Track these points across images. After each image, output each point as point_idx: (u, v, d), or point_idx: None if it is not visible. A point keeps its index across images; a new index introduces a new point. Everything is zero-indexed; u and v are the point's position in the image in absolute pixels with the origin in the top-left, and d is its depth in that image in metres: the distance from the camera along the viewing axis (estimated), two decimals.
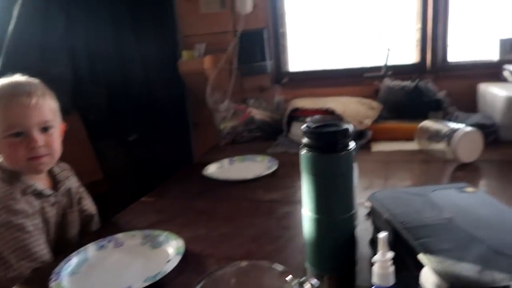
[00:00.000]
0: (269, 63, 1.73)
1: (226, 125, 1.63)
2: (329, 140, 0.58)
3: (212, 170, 1.28)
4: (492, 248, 0.50)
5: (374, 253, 0.66)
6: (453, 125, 1.19)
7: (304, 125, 0.61)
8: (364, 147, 1.38)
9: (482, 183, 1.03)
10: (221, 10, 1.71)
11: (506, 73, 1.43)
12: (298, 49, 1.82)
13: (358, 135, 1.44)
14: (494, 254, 0.49)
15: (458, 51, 1.64)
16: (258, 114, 1.62)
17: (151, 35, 1.75)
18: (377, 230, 0.68)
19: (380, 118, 1.53)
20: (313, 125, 0.61)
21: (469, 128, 1.13)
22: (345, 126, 0.60)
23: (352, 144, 0.60)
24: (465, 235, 0.54)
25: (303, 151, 0.60)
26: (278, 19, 1.75)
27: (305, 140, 0.60)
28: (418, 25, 1.61)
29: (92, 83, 1.61)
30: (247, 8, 1.62)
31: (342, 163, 0.59)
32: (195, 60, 1.68)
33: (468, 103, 1.51)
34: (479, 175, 1.08)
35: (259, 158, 1.33)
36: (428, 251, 0.51)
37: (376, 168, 1.18)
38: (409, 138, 1.32)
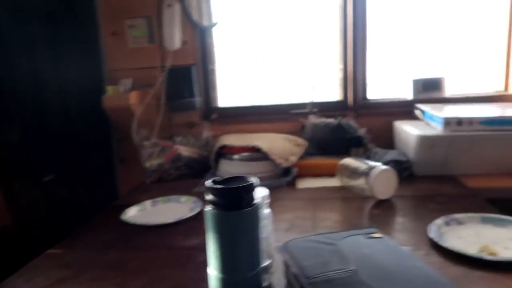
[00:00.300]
0: (198, 99, 1.72)
1: (152, 163, 1.57)
2: (232, 197, 0.57)
3: (132, 213, 1.22)
4: None
5: None
6: (370, 162, 1.24)
7: (208, 181, 0.59)
8: (290, 184, 1.39)
9: (397, 220, 1.07)
10: (149, 45, 1.69)
11: (417, 112, 1.53)
12: (228, 85, 1.83)
13: (284, 172, 1.46)
14: None
15: (378, 90, 1.74)
16: (185, 151, 1.58)
17: (74, 69, 1.68)
18: (288, 282, 0.67)
19: (306, 154, 1.57)
20: (218, 180, 0.59)
21: (384, 167, 1.18)
22: (250, 180, 0.59)
23: (257, 199, 0.59)
24: None
25: (207, 208, 0.58)
26: (208, 55, 1.75)
27: (208, 196, 0.58)
28: (340, 65, 1.69)
29: (2, 118, 1.48)
30: (175, 44, 1.61)
31: (247, 220, 0.58)
32: (120, 95, 1.62)
33: (386, 139, 1.60)
34: (394, 211, 1.12)
35: (184, 198, 1.29)
36: None
37: (300, 206, 1.19)
38: (333, 173, 1.36)
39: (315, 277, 0.58)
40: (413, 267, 0.60)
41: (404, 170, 1.38)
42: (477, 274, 0.77)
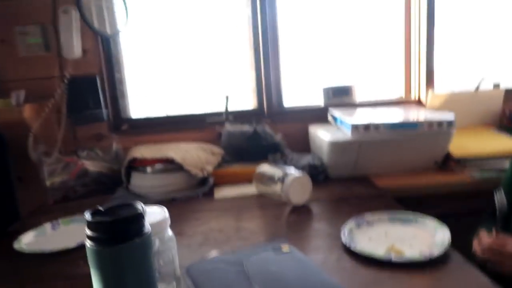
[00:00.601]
0: (105, 111, 1.59)
1: (55, 181, 1.42)
2: (114, 230, 0.49)
3: (28, 240, 1.07)
4: None
5: None
6: (285, 169, 1.23)
7: (87, 213, 0.51)
8: (207, 195, 1.34)
9: (312, 225, 1.06)
10: (45, 53, 1.53)
11: (329, 117, 1.57)
12: (140, 95, 1.73)
13: (201, 183, 1.40)
14: None
15: (293, 96, 1.76)
16: (92, 165, 1.45)
17: None
18: None
19: (224, 162, 1.53)
20: (99, 211, 0.51)
21: (298, 173, 1.18)
22: (137, 207, 0.52)
23: (147, 227, 0.52)
24: None
25: (87, 244, 0.50)
26: (114, 64, 1.64)
27: (87, 231, 0.50)
28: (253, 73, 1.69)
29: None
30: (75, 52, 1.47)
31: (135, 253, 0.50)
32: (12, 109, 1.44)
33: (302, 144, 1.62)
34: (310, 216, 1.12)
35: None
36: None
37: (216, 218, 1.14)
38: (251, 181, 1.33)
39: None
40: (318, 283, 0.57)
41: (319, 173, 1.40)
42: (385, 275, 0.78)
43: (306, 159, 1.43)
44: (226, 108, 1.63)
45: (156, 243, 0.67)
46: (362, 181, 1.36)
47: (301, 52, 1.75)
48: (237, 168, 1.47)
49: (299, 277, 0.60)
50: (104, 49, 1.61)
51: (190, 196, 1.32)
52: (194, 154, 1.43)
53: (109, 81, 1.64)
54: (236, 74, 1.72)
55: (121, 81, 1.68)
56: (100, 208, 0.54)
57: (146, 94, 1.73)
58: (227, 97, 1.62)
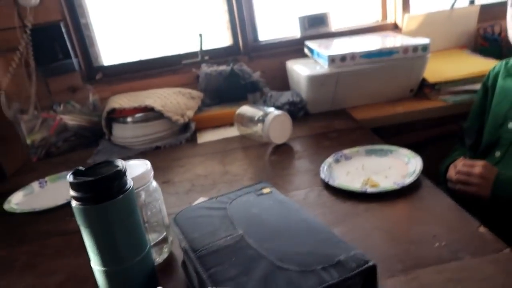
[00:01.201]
0: (75, 60, 1.53)
1: (35, 138, 1.41)
2: (96, 189, 0.51)
3: (18, 200, 1.10)
4: (274, 264, 0.52)
5: (187, 277, 0.65)
6: (265, 109, 1.24)
7: (69, 174, 0.52)
8: (190, 140, 1.36)
9: (293, 163, 1.10)
10: None
11: (305, 50, 1.55)
12: (111, 40, 1.66)
13: (183, 129, 1.41)
14: (276, 271, 0.51)
15: (269, 31, 1.71)
16: (71, 119, 1.44)
17: None
18: (185, 252, 0.66)
19: (204, 105, 1.53)
20: (81, 171, 0.53)
21: (278, 112, 1.19)
22: (117, 165, 0.54)
23: (129, 182, 0.55)
24: (253, 253, 0.55)
25: (73, 204, 0.52)
26: (77, 9, 1.55)
27: (71, 191, 0.52)
28: (225, 7, 1.61)
29: None
30: None
31: (120, 209, 0.53)
32: None
33: (281, 81, 1.61)
34: (291, 155, 1.15)
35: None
36: (216, 283, 0.50)
37: (200, 163, 1.17)
38: (232, 123, 1.34)
39: (203, 250, 0.57)
40: (298, 221, 0.62)
41: (299, 110, 1.41)
42: (362, 207, 0.84)
43: (286, 96, 1.44)
44: (201, 47, 1.58)
45: (142, 196, 0.70)
46: (341, 114, 1.39)
47: None
48: (217, 111, 1.48)
49: (279, 217, 0.64)
50: None
51: (173, 144, 1.34)
52: (173, 99, 1.42)
53: (75, 28, 1.56)
54: (208, 10, 1.65)
55: (88, 27, 1.60)
56: (81, 168, 0.55)
57: (116, 39, 1.65)
58: (200, 35, 1.57)
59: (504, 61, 1.13)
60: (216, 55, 1.62)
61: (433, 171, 1.20)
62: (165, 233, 0.75)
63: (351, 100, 1.42)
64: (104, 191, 0.51)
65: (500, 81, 1.10)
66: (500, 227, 0.72)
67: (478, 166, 0.95)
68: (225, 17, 1.63)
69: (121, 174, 0.53)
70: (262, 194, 0.72)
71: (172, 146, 1.34)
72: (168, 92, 1.46)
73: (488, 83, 1.15)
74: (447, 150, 1.26)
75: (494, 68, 1.15)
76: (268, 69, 1.63)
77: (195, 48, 1.61)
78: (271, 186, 0.76)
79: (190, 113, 1.40)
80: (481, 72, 1.31)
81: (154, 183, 0.73)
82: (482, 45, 1.64)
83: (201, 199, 0.94)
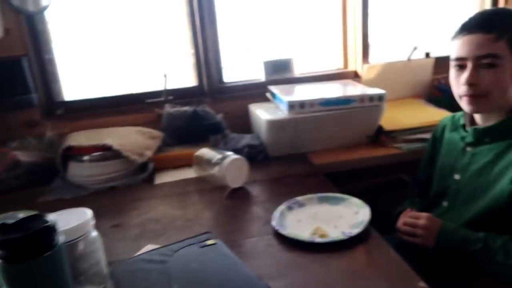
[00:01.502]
0: (35, 95, 1.51)
1: None
2: (22, 247, 0.49)
3: None
4: None
5: None
6: (223, 152, 1.25)
7: None
8: (147, 181, 1.34)
9: (248, 209, 1.10)
10: None
11: (268, 94, 1.59)
12: (75, 76, 1.65)
13: (141, 168, 1.39)
14: None
15: (234, 73, 1.75)
16: (25, 155, 1.39)
17: None
18: None
19: (166, 145, 1.52)
20: (8, 225, 0.51)
21: (235, 156, 1.20)
22: (46, 220, 0.52)
23: (58, 240, 0.53)
24: None
25: None
26: (42, 44, 1.54)
27: None
28: (191, 50, 1.65)
29: None
30: None
31: (46, 266, 0.51)
32: None
33: (245, 123, 1.63)
34: (246, 200, 1.15)
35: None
36: None
37: (154, 206, 1.15)
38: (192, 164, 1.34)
39: None
40: (235, 276, 0.61)
41: (258, 153, 1.43)
42: (309, 258, 0.84)
43: (246, 139, 1.46)
44: (165, 87, 1.59)
45: (80, 246, 0.68)
46: (299, 159, 1.41)
47: (240, 25, 1.72)
48: (178, 151, 1.47)
49: (218, 272, 0.63)
50: (29, 28, 1.50)
51: (129, 184, 1.32)
52: (132, 138, 1.41)
53: (38, 63, 1.55)
54: (174, 51, 1.68)
55: (52, 62, 1.59)
56: (8, 222, 0.53)
57: (80, 76, 1.65)
58: (165, 76, 1.59)
59: (451, 115, 1.19)
60: (180, 95, 1.63)
61: (388, 216, 1.23)
62: (103, 286, 0.72)
63: (310, 145, 1.45)
64: (29, 248, 0.49)
65: (447, 133, 1.16)
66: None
67: (422, 218, 0.98)
68: (191, 58, 1.66)
69: (50, 230, 0.51)
70: (205, 246, 0.72)
71: (128, 187, 1.31)
72: (128, 131, 1.45)
73: (437, 135, 1.20)
74: (401, 196, 1.29)
75: (443, 120, 1.21)
76: (232, 111, 1.65)
77: (159, 87, 1.62)
78: (216, 237, 0.75)
79: (148, 153, 1.39)
80: (433, 122, 1.37)
81: (94, 233, 0.71)
82: (436, 95, 1.72)
83: (148, 247, 0.91)
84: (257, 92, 1.67)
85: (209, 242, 0.72)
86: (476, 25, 0.94)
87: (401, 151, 1.40)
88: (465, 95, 0.98)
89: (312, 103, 1.36)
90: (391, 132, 1.45)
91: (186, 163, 1.40)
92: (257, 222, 1.01)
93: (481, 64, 0.94)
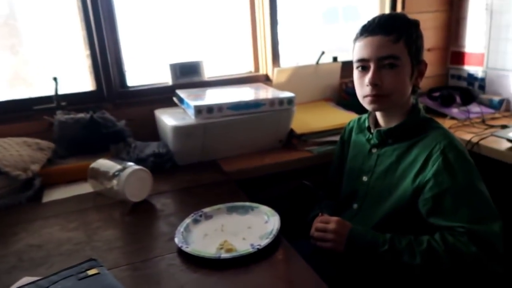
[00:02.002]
0: None
1: None
2: None
3: None
4: None
5: None
6: (122, 163, 1.12)
7: None
8: (33, 199, 1.16)
9: (149, 225, 0.99)
10: None
11: (175, 99, 1.49)
12: None
13: (25, 186, 1.20)
14: None
15: (140, 76, 1.62)
16: None
17: None
18: None
19: (57, 157, 1.34)
20: None
21: (135, 167, 1.08)
22: None
23: None
24: None
25: None
26: None
27: None
28: (86, 51, 1.48)
29: None
30: None
31: None
32: None
33: (151, 130, 1.51)
34: (148, 215, 1.04)
35: None
36: None
37: (37, 229, 0.98)
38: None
39: None
40: None
41: (165, 162, 1.32)
42: (214, 278, 0.76)
43: (151, 148, 1.34)
44: (56, 91, 1.41)
45: None
46: (210, 166, 1.33)
47: (146, 27, 1.60)
48: (72, 164, 1.30)
49: None
50: None
51: (10, 204, 1.12)
52: (14, 151, 1.21)
53: None
54: (67, 52, 1.50)
55: None
56: None
57: None
58: (55, 79, 1.40)
59: (357, 118, 1.20)
60: (75, 101, 1.46)
61: (301, 220, 1.20)
62: None
63: (221, 151, 1.38)
64: None
65: (354, 136, 1.16)
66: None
67: (332, 222, 0.95)
68: (87, 60, 1.50)
69: None
70: (85, 277, 0.60)
71: (9, 207, 1.12)
72: (10, 143, 1.25)
73: (345, 137, 1.21)
74: (314, 200, 1.28)
75: (349, 123, 1.22)
76: (137, 117, 1.52)
77: (48, 92, 1.43)
78: (100, 265, 0.63)
79: (35, 167, 1.21)
80: (343, 124, 1.37)
81: None
82: (345, 99, 1.76)
83: (24, 279, 0.76)
84: (165, 97, 1.56)
85: (90, 272, 0.60)
86: (377, 27, 0.95)
87: (313, 154, 1.39)
88: (368, 95, 0.98)
89: (220, 107, 1.29)
90: (302, 136, 1.43)
91: (82, 177, 1.24)
92: (160, 239, 0.91)
93: (383, 65, 0.95)
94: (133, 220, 1.01)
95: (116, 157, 1.30)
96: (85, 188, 1.20)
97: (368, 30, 0.96)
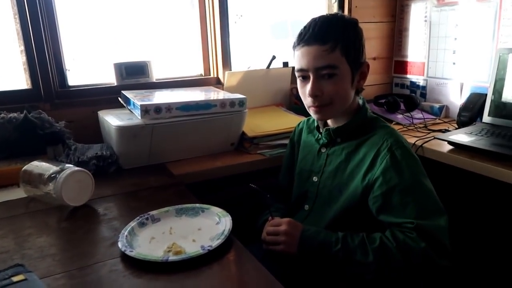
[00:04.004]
0: None
1: None
2: None
3: None
4: None
5: None
6: (59, 165, 1.03)
7: None
8: None
9: (88, 229, 0.91)
10: None
11: (120, 99, 1.41)
12: None
13: None
14: None
15: (83, 76, 1.52)
16: None
17: None
18: None
19: None
20: None
21: (74, 168, 1.00)
22: None
23: None
24: None
25: None
26: None
27: None
28: (21, 47, 1.37)
29: None
30: None
31: None
32: None
33: (94, 132, 1.42)
34: (88, 219, 0.95)
35: None
36: None
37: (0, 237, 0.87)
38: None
39: None
40: None
41: (109, 165, 1.24)
42: (162, 281, 0.70)
43: (94, 150, 1.25)
44: None
45: None
46: (158, 169, 1.26)
47: (93, 26, 1.51)
48: (1, 167, 1.18)
49: None
50: None
51: None
52: None
53: None
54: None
55: None
56: None
57: None
58: None
59: (306, 119, 1.20)
60: (7, 100, 1.34)
61: (251, 225, 1.17)
62: None
63: (170, 154, 1.32)
64: None
65: (303, 137, 1.16)
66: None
67: (283, 224, 0.94)
68: (22, 57, 1.38)
69: None
70: (9, 284, 0.52)
71: None
72: None
73: (294, 139, 1.20)
74: (263, 204, 1.25)
75: (298, 124, 1.22)
76: (79, 119, 1.42)
77: None
78: (28, 270, 0.56)
79: None
80: (293, 128, 1.38)
81: None
82: (295, 103, 1.77)
83: None
84: (109, 98, 1.48)
85: (15, 278, 0.53)
86: (312, 37, 0.94)
87: (265, 157, 1.37)
88: (311, 106, 0.99)
89: (169, 108, 1.24)
90: (254, 139, 1.41)
91: (13, 181, 1.13)
92: (101, 245, 0.83)
93: (321, 75, 0.95)
94: (71, 226, 0.93)
95: (53, 160, 1.19)
96: (16, 193, 1.09)
97: (304, 40, 0.95)
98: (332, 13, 1.22)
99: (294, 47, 0.99)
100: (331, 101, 0.97)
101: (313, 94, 0.96)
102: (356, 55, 0.97)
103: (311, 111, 1.02)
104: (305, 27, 0.97)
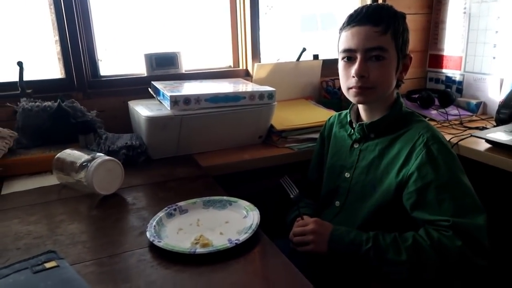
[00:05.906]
0: None
1: None
2: None
3: None
4: None
5: None
6: (90, 153, 1.04)
7: None
8: None
9: (119, 219, 0.92)
10: None
11: (150, 90, 1.42)
12: None
13: None
14: None
15: (113, 66, 1.54)
16: None
17: None
18: None
19: (20, 147, 1.25)
20: None
21: (105, 158, 1.01)
22: None
23: None
24: None
25: None
26: None
27: None
28: (55, 37, 1.40)
29: None
30: None
31: None
32: None
33: (124, 122, 1.43)
34: (119, 209, 0.96)
35: None
36: None
37: (1, 219, 0.90)
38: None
39: None
40: None
41: (138, 155, 1.25)
42: (188, 273, 0.70)
43: (124, 139, 1.27)
44: (21, 77, 1.31)
45: None
46: (186, 161, 1.27)
47: (122, 16, 1.53)
48: (36, 154, 1.21)
49: None
50: None
51: None
52: None
53: None
54: (34, 36, 1.40)
55: None
56: None
57: None
58: (20, 64, 1.30)
59: (338, 113, 1.17)
60: (42, 89, 1.37)
61: (279, 219, 1.15)
62: None
63: (198, 146, 1.32)
64: None
65: (334, 131, 1.13)
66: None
67: (310, 223, 0.92)
68: (56, 47, 1.41)
69: None
70: (42, 270, 0.53)
71: None
72: None
73: (325, 134, 1.17)
74: (292, 199, 1.23)
75: (329, 119, 1.19)
76: (110, 108, 1.44)
77: (14, 78, 1.33)
78: (60, 257, 0.57)
79: None
80: (323, 122, 1.35)
81: None
82: (325, 97, 1.74)
83: None
84: (139, 88, 1.49)
85: (48, 264, 0.53)
86: (365, 18, 0.92)
87: (293, 151, 1.35)
88: (354, 87, 0.95)
89: (198, 99, 1.23)
90: (283, 132, 1.39)
91: (47, 168, 1.16)
92: (130, 234, 0.84)
93: (369, 57, 0.93)
94: (101, 214, 0.94)
95: (85, 148, 1.22)
96: (49, 180, 1.12)
97: (356, 19, 0.93)
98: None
99: (341, 28, 0.97)
100: (375, 85, 0.94)
101: (359, 74, 0.93)
102: (403, 44, 0.96)
103: (351, 93, 0.98)
104: (355, 10, 0.95)
